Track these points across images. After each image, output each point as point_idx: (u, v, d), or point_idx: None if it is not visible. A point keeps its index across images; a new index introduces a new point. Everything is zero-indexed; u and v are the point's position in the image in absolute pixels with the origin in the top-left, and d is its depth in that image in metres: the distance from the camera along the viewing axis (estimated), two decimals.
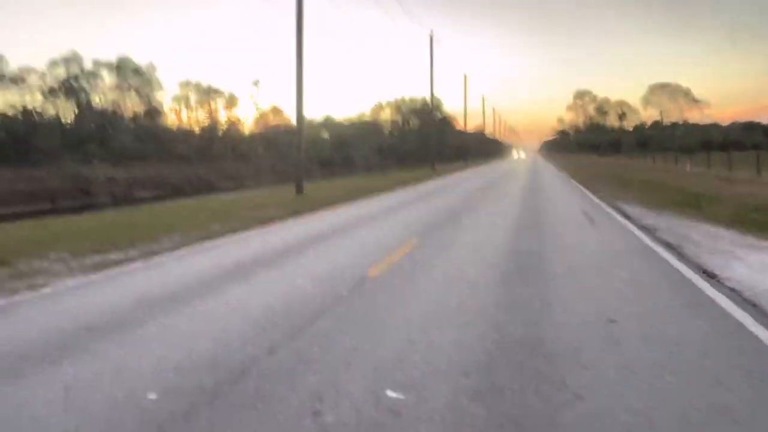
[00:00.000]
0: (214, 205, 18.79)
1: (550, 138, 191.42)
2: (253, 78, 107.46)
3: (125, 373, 3.93)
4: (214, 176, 49.22)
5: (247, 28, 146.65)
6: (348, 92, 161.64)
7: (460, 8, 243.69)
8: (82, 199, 31.10)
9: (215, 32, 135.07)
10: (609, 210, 14.46)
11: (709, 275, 6.87)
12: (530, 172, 39.86)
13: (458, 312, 5.31)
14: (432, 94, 49.95)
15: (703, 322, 4.96)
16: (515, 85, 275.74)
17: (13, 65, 58.02)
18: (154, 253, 9.15)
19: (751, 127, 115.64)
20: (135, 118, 72.14)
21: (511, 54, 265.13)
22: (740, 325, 4.86)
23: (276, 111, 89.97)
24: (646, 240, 9.58)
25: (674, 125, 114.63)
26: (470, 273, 7.06)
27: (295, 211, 15.59)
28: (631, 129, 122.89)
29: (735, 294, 5.95)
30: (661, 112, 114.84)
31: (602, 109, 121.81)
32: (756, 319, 5.00)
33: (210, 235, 11.05)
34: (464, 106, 72.58)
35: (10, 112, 55.70)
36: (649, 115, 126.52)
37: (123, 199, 32.91)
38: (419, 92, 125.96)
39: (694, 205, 14.75)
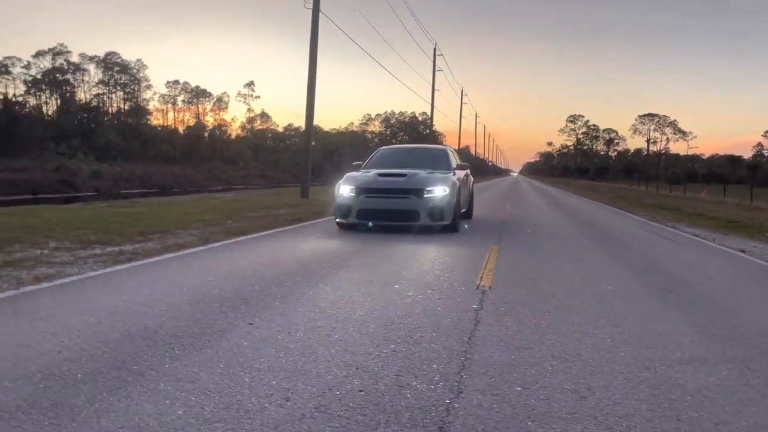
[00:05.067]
0: (216, 204, 17.13)
1: (533, 160, 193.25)
2: (247, 80, 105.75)
3: None
4: (202, 178, 47.26)
5: (241, 31, 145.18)
6: (338, 103, 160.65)
7: (458, 26, 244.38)
8: (65, 191, 29.05)
9: (208, 33, 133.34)
10: (670, 230, 13.14)
11: None
12: (541, 195, 38.76)
13: None
14: (432, 107, 48.73)
15: None
16: (504, 105, 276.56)
17: None
18: (180, 246, 7.53)
19: (735, 161, 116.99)
20: (119, 114, 69.91)
21: (504, 75, 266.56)
22: None
23: (264, 116, 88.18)
24: (762, 261, 8.22)
25: (658, 155, 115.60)
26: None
27: (315, 213, 14.04)
28: (614, 156, 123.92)
29: None
30: (647, 141, 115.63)
31: (591, 134, 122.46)
32: None
33: (242, 230, 9.45)
34: (459, 122, 71.34)
35: None
36: (634, 143, 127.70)
37: (109, 194, 30.82)
38: (409, 107, 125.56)
39: (747, 230, 13.52)
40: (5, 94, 55.33)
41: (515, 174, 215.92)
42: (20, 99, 57.14)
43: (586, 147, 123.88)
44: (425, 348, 3.48)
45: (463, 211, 10.84)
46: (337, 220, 9.65)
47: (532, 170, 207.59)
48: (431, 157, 11.13)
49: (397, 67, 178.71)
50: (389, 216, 9.15)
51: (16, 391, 2.65)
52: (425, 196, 9.07)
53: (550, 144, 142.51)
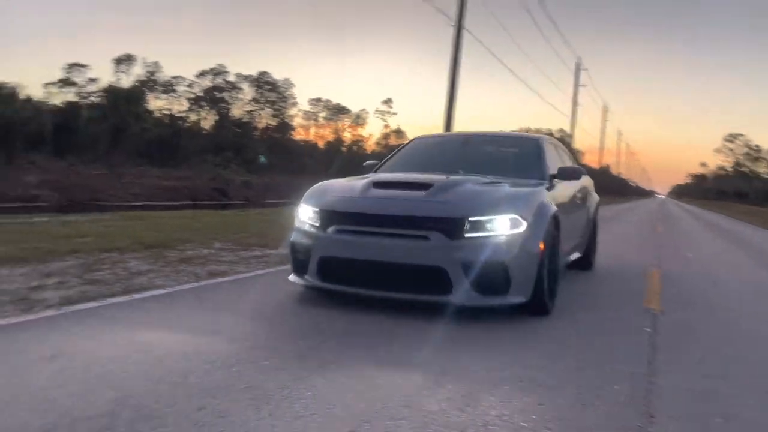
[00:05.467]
0: None
1: (683, 182, 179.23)
2: (385, 97, 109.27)
3: None
4: None
5: (381, 48, 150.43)
6: (473, 117, 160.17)
7: (603, 38, 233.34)
8: (219, 199, 31.63)
9: (350, 52, 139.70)
10: None
11: None
12: (694, 218, 35.82)
13: None
14: (573, 124, 47.01)
15: None
16: (651, 122, 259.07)
17: (167, 74, 62.51)
18: None
19: None
20: (267, 129, 74.89)
21: (652, 89, 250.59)
22: None
23: (399, 132, 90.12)
24: None
25: None
26: None
27: None
28: None
29: None
30: None
31: (753, 155, 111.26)
32: None
33: None
34: (600, 141, 68.16)
35: (160, 116, 59.68)
36: None
37: (257, 203, 33.02)
38: (545, 123, 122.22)
39: None
40: (170, 110, 61.56)
41: (662, 196, 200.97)
42: (183, 114, 63.17)
43: (745, 169, 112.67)
44: (601, 368, 3.29)
45: (572, 258, 5.92)
46: (290, 277, 4.67)
47: (681, 192, 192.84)
48: (507, 154, 5.69)
49: (536, 81, 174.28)
50: (383, 279, 4.17)
51: (213, 373, 2.87)
52: (467, 235, 3.96)
53: (703, 165, 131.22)
